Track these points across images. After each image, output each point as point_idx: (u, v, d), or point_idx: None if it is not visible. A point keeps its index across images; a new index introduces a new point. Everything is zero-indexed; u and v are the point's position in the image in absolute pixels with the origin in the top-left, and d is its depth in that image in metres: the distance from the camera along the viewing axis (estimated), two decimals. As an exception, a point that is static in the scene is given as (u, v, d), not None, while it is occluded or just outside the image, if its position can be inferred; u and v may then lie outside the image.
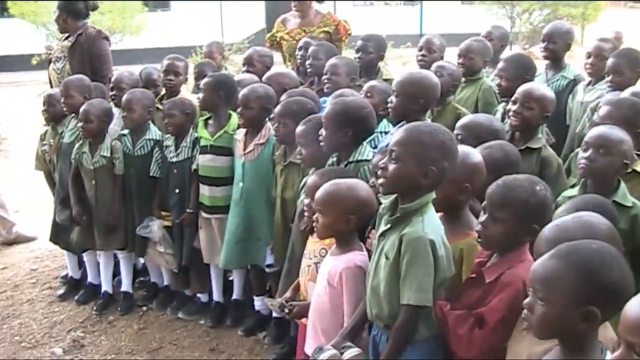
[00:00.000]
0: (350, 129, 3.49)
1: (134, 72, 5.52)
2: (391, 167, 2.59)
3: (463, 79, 4.99)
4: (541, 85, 4.17)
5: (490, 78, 5.25)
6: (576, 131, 4.66)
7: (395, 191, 2.66)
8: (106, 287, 5.29)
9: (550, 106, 3.93)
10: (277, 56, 5.98)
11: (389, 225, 2.65)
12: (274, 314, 4.65)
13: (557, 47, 5.09)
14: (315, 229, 3.05)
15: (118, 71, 5.69)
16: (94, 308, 5.18)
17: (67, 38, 5.98)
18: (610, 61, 4.47)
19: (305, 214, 3.24)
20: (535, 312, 1.98)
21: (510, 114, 3.87)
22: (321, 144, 3.53)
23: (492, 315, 2.47)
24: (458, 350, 2.55)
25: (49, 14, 15.86)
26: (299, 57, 5.46)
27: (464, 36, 5.39)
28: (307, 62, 5.14)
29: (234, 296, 4.98)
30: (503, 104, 4.60)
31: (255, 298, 4.84)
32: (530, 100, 3.83)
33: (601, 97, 4.51)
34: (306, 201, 3.24)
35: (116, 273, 5.41)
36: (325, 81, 4.70)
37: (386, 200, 2.74)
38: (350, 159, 3.52)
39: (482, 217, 2.62)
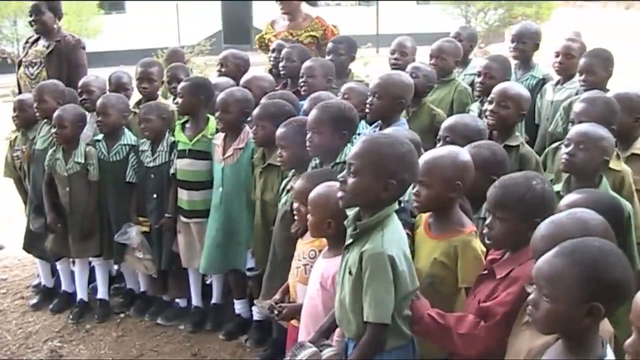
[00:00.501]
0: (347, 131, 3.52)
1: (99, 75, 5.44)
2: (350, 180, 2.55)
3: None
4: (516, 84, 4.26)
5: (461, 78, 5.34)
6: (548, 130, 4.76)
7: (355, 205, 2.64)
8: (81, 295, 5.21)
9: (526, 104, 4.04)
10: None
11: (351, 240, 2.65)
12: (255, 317, 4.67)
13: (526, 47, 5.19)
14: (309, 230, 3.06)
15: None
16: (70, 317, 5.10)
17: (36, 41, 5.89)
18: (582, 61, 4.56)
19: (296, 217, 3.24)
20: (540, 308, 2.03)
21: (487, 113, 3.96)
22: (307, 146, 3.55)
23: (499, 308, 2.52)
24: (464, 350, 2.59)
25: (2, 17, 15.64)
26: (271, 59, 5.47)
27: (420, 36, 5.50)
28: (281, 64, 5.15)
29: (214, 300, 4.97)
30: (477, 103, 4.70)
31: (235, 301, 4.82)
32: (506, 99, 3.92)
33: (571, 97, 4.64)
34: (295, 205, 3.25)
35: (90, 280, 5.33)
36: (302, 84, 4.71)
37: (350, 213, 2.73)
38: (337, 161, 3.54)
39: (488, 219, 2.68)
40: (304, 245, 3.26)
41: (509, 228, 2.60)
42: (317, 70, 4.70)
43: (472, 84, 5.10)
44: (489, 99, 4.05)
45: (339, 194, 2.63)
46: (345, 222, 2.71)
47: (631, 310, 1.88)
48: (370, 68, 10.62)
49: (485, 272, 2.68)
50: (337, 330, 2.86)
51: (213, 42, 14.48)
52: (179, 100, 4.63)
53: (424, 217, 3.01)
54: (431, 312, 2.65)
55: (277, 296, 3.37)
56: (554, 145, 4.19)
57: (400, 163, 2.54)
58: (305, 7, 6.24)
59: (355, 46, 5.40)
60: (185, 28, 21.42)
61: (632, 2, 40.57)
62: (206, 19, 22.79)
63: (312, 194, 3.01)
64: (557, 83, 4.93)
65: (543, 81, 5.14)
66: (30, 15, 5.96)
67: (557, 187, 3.29)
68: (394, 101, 3.94)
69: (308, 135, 3.55)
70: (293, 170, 3.80)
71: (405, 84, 4.06)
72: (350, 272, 2.61)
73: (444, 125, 3.66)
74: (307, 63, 4.76)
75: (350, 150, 2.65)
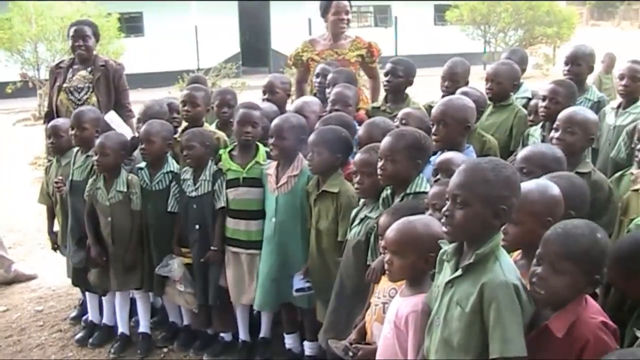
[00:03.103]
0: (421, 160, 3.38)
1: (162, 103, 5.28)
2: (459, 213, 2.42)
3: (491, 105, 4.88)
4: (582, 109, 4.06)
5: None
6: (610, 155, 4.57)
7: (466, 238, 2.48)
8: (123, 328, 5.02)
9: (594, 129, 3.87)
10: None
11: (459, 272, 2.48)
12: (307, 352, 4.47)
13: (580, 69, 4.99)
14: (388, 271, 2.86)
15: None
16: (111, 351, 4.91)
17: (70, 66, 5.78)
18: (648, 84, 4.39)
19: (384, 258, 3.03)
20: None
21: (554, 141, 3.76)
22: (379, 175, 3.40)
23: None
24: None
25: (23, 41, 15.61)
26: (316, 83, 5.33)
27: (438, 57, 5.32)
28: (328, 90, 5.00)
29: (262, 334, 4.77)
30: (539, 128, 4.51)
31: (286, 336, 4.63)
32: (573, 124, 3.75)
33: (636, 121, 4.45)
34: (382, 243, 3.05)
35: (132, 313, 5.15)
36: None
37: (447, 245, 2.57)
38: (408, 191, 3.36)
39: (539, 268, 2.43)
40: (386, 282, 3.06)
41: (570, 282, 2.37)
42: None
43: (524, 107, 4.93)
44: (554, 126, 3.87)
45: (445, 228, 2.47)
46: (441, 255, 2.57)
47: None
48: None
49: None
50: None
51: (238, 65, 14.39)
52: (252, 129, 4.43)
53: (515, 256, 2.81)
54: None
55: (352, 336, 3.16)
56: (618, 174, 4.00)
57: (508, 187, 2.41)
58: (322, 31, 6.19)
59: (414, 69, 5.18)
60: (204, 51, 21.44)
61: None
62: (224, 41, 22.83)
63: (397, 234, 2.80)
64: (619, 106, 4.73)
65: (598, 104, 4.96)
66: (75, 40, 5.81)
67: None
68: (461, 126, 3.79)
69: (380, 163, 3.38)
70: (364, 200, 3.65)
71: (470, 108, 3.91)
72: (461, 306, 2.42)
73: (520, 155, 3.46)
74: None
75: (451, 181, 2.48)
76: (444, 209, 2.49)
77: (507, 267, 2.42)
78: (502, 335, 2.33)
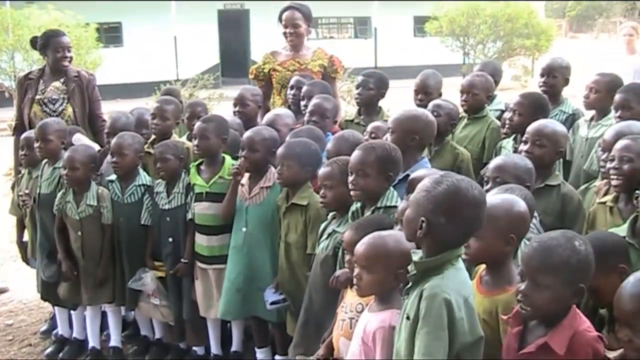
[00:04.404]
0: (392, 173, 3.34)
1: (128, 114, 5.26)
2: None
3: (466, 116, 4.88)
4: (551, 122, 4.06)
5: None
6: (583, 167, 4.57)
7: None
8: (93, 342, 4.94)
9: (563, 141, 3.86)
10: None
11: (409, 284, 2.46)
12: (279, 367, 4.43)
13: (556, 81, 4.99)
14: (357, 286, 2.82)
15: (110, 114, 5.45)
16: (81, 365, 4.85)
17: (40, 77, 5.69)
18: (618, 96, 4.37)
19: (349, 273, 2.98)
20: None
21: (523, 154, 3.75)
22: (350, 189, 3.34)
23: None
24: None
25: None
26: (290, 96, 5.30)
27: (417, 68, 5.31)
28: (303, 102, 4.98)
29: (233, 348, 4.72)
30: (511, 140, 4.51)
31: (257, 350, 4.58)
32: (542, 137, 3.75)
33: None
34: (347, 257, 3.02)
35: (102, 327, 5.07)
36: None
37: (417, 255, 2.51)
38: (378, 205, 3.32)
39: (522, 285, 2.41)
40: (353, 297, 3.02)
41: (553, 295, 2.34)
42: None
43: (498, 119, 4.93)
44: (523, 138, 3.87)
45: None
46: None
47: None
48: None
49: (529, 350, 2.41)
50: None
51: (217, 77, 14.35)
52: (198, 142, 4.38)
53: (480, 270, 2.79)
54: None
55: (320, 351, 3.13)
56: (583, 187, 4.02)
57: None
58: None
59: (386, 82, 5.16)
60: (183, 62, 21.38)
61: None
62: (204, 52, 22.78)
63: (367, 249, 2.75)
64: (592, 119, 4.74)
65: (573, 116, 4.95)
66: (60, 52, 5.66)
67: (623, 231, 3.07)
68: (408, 137, 3.75)
69: (351, 178, 3.34)
70: (333, 213, 3.61)
71: (421, 120, 3.85)
72: (408, 317, 2.39)
73: (492, 165, 3.45)
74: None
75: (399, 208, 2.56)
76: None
77: (451, 282, 2.36)
78: (418, 349, 2.31)
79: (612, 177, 3.36)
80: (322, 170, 3.58)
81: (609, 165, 3.42)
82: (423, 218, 2.34)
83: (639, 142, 3.36)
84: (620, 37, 8.81)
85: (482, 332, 2.42)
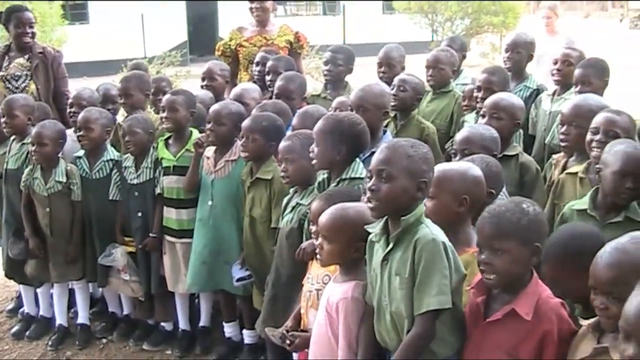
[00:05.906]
0: (344, 146, 3.33)
1: (93, 89, 5.19)
2: (385, 187, 2.50)
3: (431, 91, 4.92)
4: (507, 94, 4.15)
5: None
6: (545, 141, 4.65)
7: (391, 211, 2.55)
8: (61, 320, 4.93)
9: (520, 113, 3.98)
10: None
11: (391, 245, 2.54)
12: (247, 341, 4.47)
13: (520, 56, 5.06)
14: (318, 256, 2.86)
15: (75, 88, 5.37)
16: (49, 343, 4.83)
17: (6, 53, 5.62)
18: (577, 71, 4.47)
19: (314, 242, 3.02)
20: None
21: None
22: (312, 160, 3.37)
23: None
24: None
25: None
26: (256, 72, 5.31)
27: (386, 45, 5.32)
28: (268, 77, 4.99)
29: (202, 323, 4.75)
30: (473, 114, 4.57)
31: (225, 324, 4.62)
32: (499, 110, 3.86)
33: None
34: (313, 228, 3.05)
35: (69, 304, 5.06)
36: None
37: (375, 228, 2.63)
38: (343, 176, 3.34)
39: (482, 255, 2.48)
40: (319, 269, 3.06)
41: (513, 258, 2.42)
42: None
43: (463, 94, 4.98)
44: (481, 112, 3.95)
45: (371, 204, 2.54)
46: (372, 238, 2.65)
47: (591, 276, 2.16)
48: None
49: (495, 318, 2.49)
50: None
51: (184, 54, 14.20)
52: (167, 115, 4.38)
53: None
54: None
55: (288, 323, 3.14)
56: (550, 160, 4.08)
57: (426, 162, 2.56)
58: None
59: (353, 57, 5.20)
60: (150, 39, 21.10)
61: (591, 10, 41.54)
62: (171, 29, 22.50)
63: (329, 219, 2.79)
64: (554, 93, 4.81)
65: (537, 91, 5.02)
66: (21, 27, 5.63)
67: (584, 204, 3.13)
68: (379, 112, 3.89)
69: (312, 147, 3.37)
70: (295, 187, 3.62)
71: (387, 94, 4.06)
72: (399, 275, 2.50)
73: (459, 137, 3.53)
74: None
75: (374, 159, 2.57)
76: (369, 184, 2.56)
77: (435, 229, 2.52)
78: (429, 291, 2.41)
79: (593, 148, 3.39)
80: (282, 144, 3.58)
81: (592, 137, 3.42)
82: (425, 179, 2.53)
83: (623, 117, 3.43)
84: (539, 19, 8.94)
85: (464, 270, 2.55)
